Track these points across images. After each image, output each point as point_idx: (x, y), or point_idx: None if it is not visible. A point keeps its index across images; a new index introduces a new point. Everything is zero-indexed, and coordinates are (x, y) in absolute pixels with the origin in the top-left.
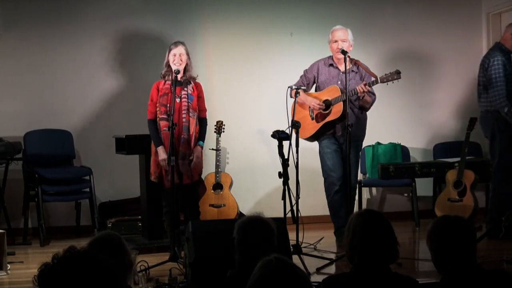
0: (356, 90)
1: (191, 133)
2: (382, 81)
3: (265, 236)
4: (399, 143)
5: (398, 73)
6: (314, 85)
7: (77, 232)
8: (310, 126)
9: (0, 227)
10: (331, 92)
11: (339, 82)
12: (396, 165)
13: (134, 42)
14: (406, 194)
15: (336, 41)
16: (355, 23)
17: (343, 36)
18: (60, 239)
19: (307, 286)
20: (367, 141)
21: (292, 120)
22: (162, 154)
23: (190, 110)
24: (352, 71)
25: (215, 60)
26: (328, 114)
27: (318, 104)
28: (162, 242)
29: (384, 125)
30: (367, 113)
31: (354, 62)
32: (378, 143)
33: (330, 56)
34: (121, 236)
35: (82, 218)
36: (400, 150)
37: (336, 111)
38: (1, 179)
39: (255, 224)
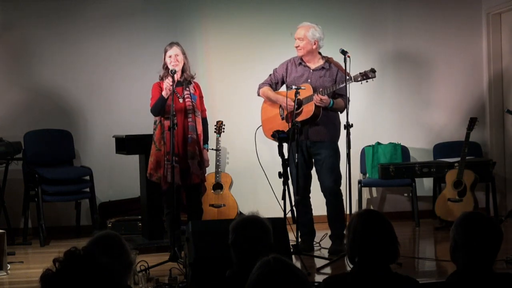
0: (326, 89)
1: (199, 132)
2: (356, 80)
3: (257, 235)
4: (399, 143)
5: (373, 71)
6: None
7: (77, 232)
8: (281, 127)
9: (0, 227)
10: (303, 91)
11: (309, 81)
12: (396, 165)
13: (134, 42)
14: (406, 194)
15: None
16: (355, 24)
17: (297, 34)
18: (60, 239)
19: (306, 286)
20: (367, 141)
21: (292, 120)
22: (165, 83)
23: (196, 109)
24: (323, 68)
25: (215, 60)
26: (299, 114)
27: (289, 105)
28: (162, 242)
29: (384, 125)
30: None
31: (326, 60)
32: (378, 143)
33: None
34: (121, 236)
35: (82, 218)
36: (400, 150)
37: (308, 110)
38: (1, 179)
39: (247, 224)
